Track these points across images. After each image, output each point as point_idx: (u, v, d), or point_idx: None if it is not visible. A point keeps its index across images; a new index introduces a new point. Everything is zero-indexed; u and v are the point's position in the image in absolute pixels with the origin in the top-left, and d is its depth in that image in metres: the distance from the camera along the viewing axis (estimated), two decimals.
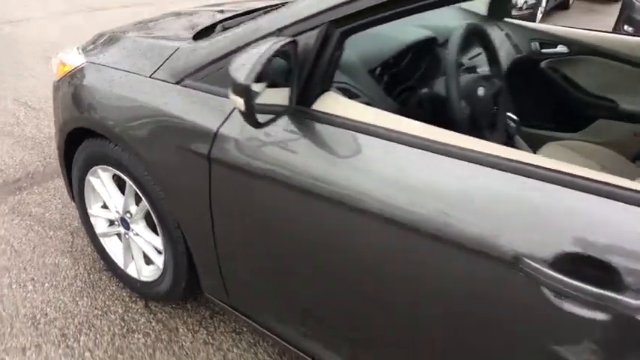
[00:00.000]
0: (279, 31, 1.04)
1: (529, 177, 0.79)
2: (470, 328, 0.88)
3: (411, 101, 1.29)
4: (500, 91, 1.35)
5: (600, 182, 0.74)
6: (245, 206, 1.16)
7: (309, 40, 1.00)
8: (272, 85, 0.97)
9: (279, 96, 0.99)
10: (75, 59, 1.60)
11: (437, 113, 1.16)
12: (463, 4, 2.11)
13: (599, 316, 0.72)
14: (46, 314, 1.63)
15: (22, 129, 2.91)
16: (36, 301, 1.68)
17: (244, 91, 0.83)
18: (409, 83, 1.34)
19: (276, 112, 0.97)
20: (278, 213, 1.10)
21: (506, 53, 1.96)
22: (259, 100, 0.94)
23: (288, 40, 0.93)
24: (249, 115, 0.87)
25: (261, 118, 0.93)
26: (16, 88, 3.48)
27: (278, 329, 1.32)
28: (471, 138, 0.87)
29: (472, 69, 1.44)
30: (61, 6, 5.87)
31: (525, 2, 5.42)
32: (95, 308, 1.67)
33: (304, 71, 1.01)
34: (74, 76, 1.55)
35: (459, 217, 0.82)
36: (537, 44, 2.03)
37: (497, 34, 2.01)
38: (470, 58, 1.55)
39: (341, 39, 1.00)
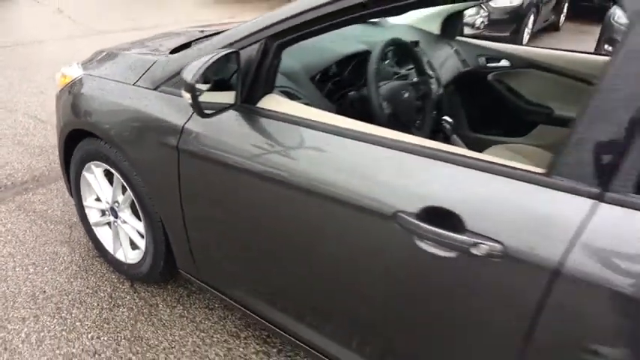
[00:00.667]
0: (230, 45, 1.30)
1: (406, 152, 1.03)
2: (369, 272, 1.11)
3: (345, 103, 1.54)
4: (426, 95, 1.59)
5: (455, 154, 0.98)
6: (205, 188, 1.41)
7: (252, 51, 1.26)
8: (226, 88, 1.24)
9: (228, 96, 1.25)
10: (74, 72, 1.88)
11: (364, 112, 1.41)
12: (421, 25, 2.38)
13: (449, 253, 0.95)
14: (44, 292, 1.88)
15: (30, 139, 3.21)
16: (36, 282, 1.93)
17: (190, 88, 1.09)
18: (345, 88, 1.60)
19: (224, 107, 1.23)
20: (231, 194, 1.35)
21: (454, 67, 2.22)
22: (211, 99, 1.21)
23: (231, 50, 1.19)
24: (195, 106, 1.13)
25: (211, 111, 1.19)
26: (27, 103, 3.80)
27: (240, 298, 1.55)
28: (373, 126, 1.11)
29: (404, 77, 1.70)
30: (72, 30, 6.25)
31: (482, 22, 5.68)
32: (87, 287, 1.91)
33: (249, 77, 1.26)
34: (73, 86, 1.83)
35: (365, 188, 1.06)
36: (484, 59, 2.29)
37: (446, 51, 2.27)
38: (408, 69, 1.81)
39: (278, 50, 1.26)
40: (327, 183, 1.11)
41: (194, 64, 1.13)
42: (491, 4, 5.45)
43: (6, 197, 2.50)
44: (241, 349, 1.68)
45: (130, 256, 1.91)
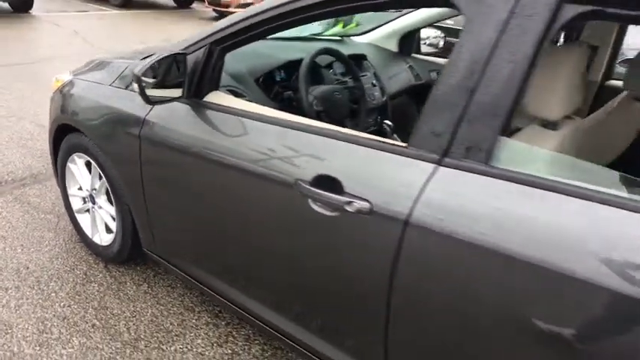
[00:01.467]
0: (182, 49, 1.55)
1: (308, 133, 1.26)
2: (280, 232, 1.33)
3: (284, 100, 1.78)
4: (361, 98, 1.83)
5: (343, 133, 1.21)
6: (160, 171, 1.65)
7: (199, 54, 1.51)
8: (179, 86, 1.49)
9: (178, 92, 1.50)
10: (65, 77, 2.16)
11: (299, 109, 1.65)
12: (381, 43, 2.64)
13: (333, 213, 1.17)
14: (28, 268, 2.11)
15: (34, 143, 3.50)
16: (21, 260, 2.16)
17: (137, 80, 1.34)
18: (287, 88, 1.84)
19: (171, 99, 1.48)
20: (180, 175, 1.59)
21: (406, 79, 2.47)
22: (165, 94, 1.46)
23: (176, 52, 1.45)
24: (142, 94, 1.38)
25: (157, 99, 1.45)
26: (35, 113, 4.12)
27: (190, 271, 1.76)
28: (294, 115, 1.35)
29: (344, 83, 1.95)
30: (83, 49, 6.66)
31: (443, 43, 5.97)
32: (65, 266, 2.14)
33: (196, 76, 1.51)
34: (63, 88, 2.10)
35: (278, 163, 1.29)
36: (435, 73, 2.53)
37: (401, 66, 2.52)
38: (350, 78, 2.05)
39: (220, 53, 1.51)
40: (252, 160, 1.34)
41: (143, 62, 1.39)
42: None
43: (5, 191, 2.76)
44: (194, 321, 1.88)
45: (104, 239, 2.14)
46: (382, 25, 2.60)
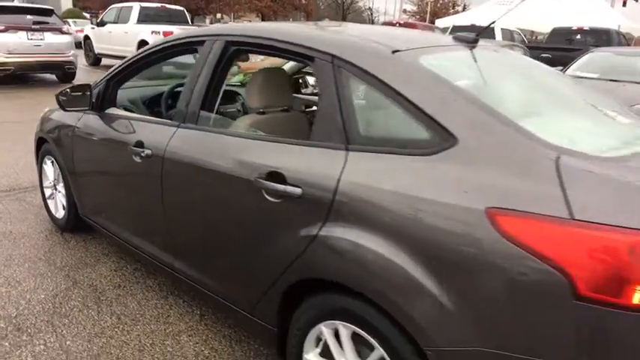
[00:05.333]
0: (95, 83, 2.67)
1: (156, 123, 2.31)
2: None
3: (158, 113, 2.85)
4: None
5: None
6: (82, 155, 2.73)
7: (101, 87, 2.62)
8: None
9: (86, 107, 2.61)
10: (47, 109, 3.34)
11: (158, 114, 2.72)
12: None
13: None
14: (11, 232, 3.19)
15: None
16: (8, 229, 3.25)
17: (56, 97, 2.46)
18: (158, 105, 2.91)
19: (80, 110, 2.58)
20: (92, 156, 2.65)
21: None
22: (78, 107, 2.57)
23: (85, 84, 2.56)
24: (59, 104, 2.49)
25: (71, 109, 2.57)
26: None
27: (111, 229, 2.76)
28: (153, 117, 2.41)
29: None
30: None
31: None
32: (35, 232, 3.21)
33: (99, 98, 2.62)
34: (45, 114, 3.27)
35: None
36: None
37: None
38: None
39: (114, 87, 2.61)
40: (129, 142, 2.39)
41: (66, 89, 2.51)
42: None
43: (10, 194, 3.93)
44: (111, 264, 2.87)
45: (60, 214, 3.21)
46: None
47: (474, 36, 1.88)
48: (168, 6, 12.96)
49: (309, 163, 1.57)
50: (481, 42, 1.95)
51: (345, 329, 1.52)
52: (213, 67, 2.03)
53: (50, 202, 3.35)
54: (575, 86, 2.11)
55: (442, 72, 1.52)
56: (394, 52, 1.58)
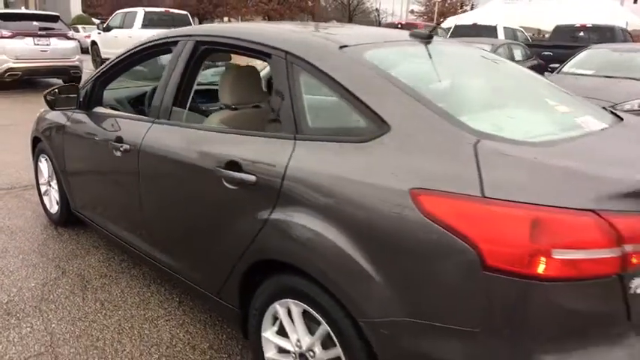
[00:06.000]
0: (82, 85, 2.81)
1: (135, 120, 2.44)
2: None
3: (141, 111, 2.99)
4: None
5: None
6: (72, 151, 2.87)
7: (88, 87, 2.76)
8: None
9: (74, 106, 2.75)
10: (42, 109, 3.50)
11: (142, 111, 2.85)
12: None
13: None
14: (8, 227, 3.35)
15: None
16: (6, 224, 3.41)
17: (44, 97, 2.60)
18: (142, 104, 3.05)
19: (69, 109, 2.73)
20: (84, 154, 2.79)
21: None
22: (66, 107, 2.72)
23: (71, 84, 2.71)
24: (47, 104, 2.63)
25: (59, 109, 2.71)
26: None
27: (99, 222, 2.90)
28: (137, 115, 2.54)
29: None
30: None
31: None
32: (32, 226, 3.37)
33: (86, 98, 2.76)
34: (41, 113, 3.43)
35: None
36: None
37: None
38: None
39: (100, 87, 2.75)
40: (112, 139, 2.53)
41: (55, 89, 2.66)
42: None
43: (11, 192, 4.10)
44: (99, 256, 3.01)
45: (54, 209, 3.36)
46: None
47: (428, 32, 1.99)
48: (172, 10, 13.19)
49: (262, 153, 1.69)
50: (437, 38, 2.05)
51: (296, 307, 1.63)
52: (184, 65, 2.15)
53: (45, 198, 3.51)
54: (527, 78, 2.20)
55: (384, 65, 1.63)
56: (342, 47, 1.70)
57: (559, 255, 1.12)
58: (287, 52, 1.75)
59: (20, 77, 9.06)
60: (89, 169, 2.78)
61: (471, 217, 1.21)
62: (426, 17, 46.31)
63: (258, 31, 1.98)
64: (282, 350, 1.76)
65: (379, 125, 1.46)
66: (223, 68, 3.90)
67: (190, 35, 2.22)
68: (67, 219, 3.27)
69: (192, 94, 2.23)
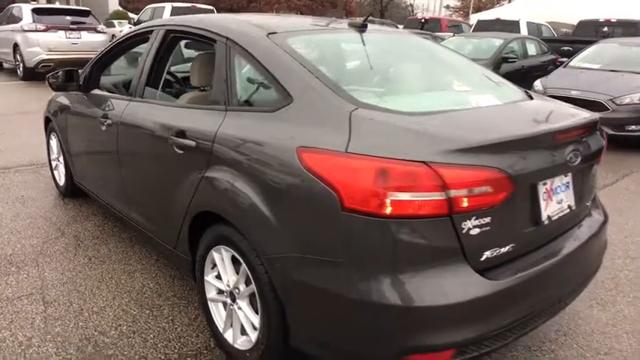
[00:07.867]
0: (82, 70, 3.20)
1: (135, 102, 2.81)
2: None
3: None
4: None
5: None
6: (74, 128, 3.27)
7: (86, 72, 3.15)
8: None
9: (74, 88, 3.15)
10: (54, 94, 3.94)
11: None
12: None
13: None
14: (23, 197, 3.80)
15: None
16: (21, 194, 3.86)
17: (47, 80, 3.00)
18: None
19: (69, 90, 3.12)
20: (81, 130, 3.19)
21: None
22: (67, 89, 3.12)
23: (72, 69, 3.10)
24: (49, 86, 3.03)
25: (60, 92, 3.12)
26: None
27: (94, 191, 3.30)
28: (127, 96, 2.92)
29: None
30: None
31: None
32: (45, 197, 3.81)
33: (85, 81, 3.14)
34: (53, 96, 3.86)
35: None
36: None
37: None
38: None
39: (97, 71, 3.13)
40: (106, 115, 2.91)
41: (57, 72, 3.06)
42: None
43: (30, 168, 4.59)
44: (96, 221, 3.41)
45: (61, 182, 3.79)
46: None
47: (362, 22, 2.25)
48: (198, 5, 13.72)
49: (201, 122, 2.01)
50: (371, 26, 2.32)
51: (226, 252, 1.95)
52: (155, 51, 2.49)
53: (55, 173, 3.94)
54: (453, 63, 2.42)
55: (302, 49, 1.91)
56: (270, 34, 1.99)
57: (396, 197, 1.39)
58: (227, 38, 2.05)
59: (53, 68, 9.66)
60: (85, 143, 3.17)
61: (335, 168, 1.48)
62: (462, 12, 45.62)
63: (210, 21, 2.30)
64: (220, 292, 2.07)
65: (285, 97, 1.75)
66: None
67: (163, 25, 2.55)
68: (72, 190, 3.69)
69: (164, 76, 2.57)
